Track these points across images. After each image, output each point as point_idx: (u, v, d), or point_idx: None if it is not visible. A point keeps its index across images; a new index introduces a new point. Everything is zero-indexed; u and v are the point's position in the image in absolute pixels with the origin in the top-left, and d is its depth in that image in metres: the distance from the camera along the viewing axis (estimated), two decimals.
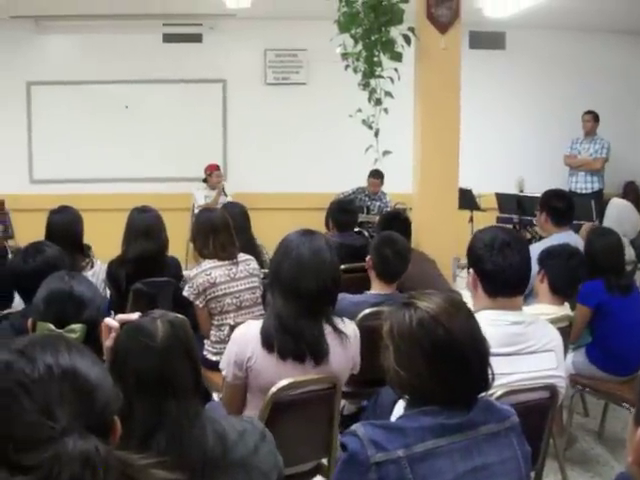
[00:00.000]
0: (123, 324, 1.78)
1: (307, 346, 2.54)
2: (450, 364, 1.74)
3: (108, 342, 1.91)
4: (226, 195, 8.12)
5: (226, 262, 3.90)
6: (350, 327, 2.72)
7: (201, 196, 8.17)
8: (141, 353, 1.68)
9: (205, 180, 8.38)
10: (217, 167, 8.40)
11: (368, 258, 3.72)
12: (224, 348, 3.72)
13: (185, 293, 3.89)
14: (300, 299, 2.53)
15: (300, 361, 2.55)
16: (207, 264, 3.89)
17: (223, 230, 3.98)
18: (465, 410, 1.74)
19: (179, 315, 1.87)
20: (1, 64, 8.76)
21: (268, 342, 2.52)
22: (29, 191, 8.76)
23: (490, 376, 1.80)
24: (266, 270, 3.53)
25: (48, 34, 8.81)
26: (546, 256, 3.65)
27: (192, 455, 1.63)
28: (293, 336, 2.53)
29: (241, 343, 2.56)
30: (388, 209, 7.80)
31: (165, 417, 1.64)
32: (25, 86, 8.88)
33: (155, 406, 1.65)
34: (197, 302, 3.86)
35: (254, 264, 4.01)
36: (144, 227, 4.24)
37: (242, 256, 3.99)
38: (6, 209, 8.30)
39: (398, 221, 4.70)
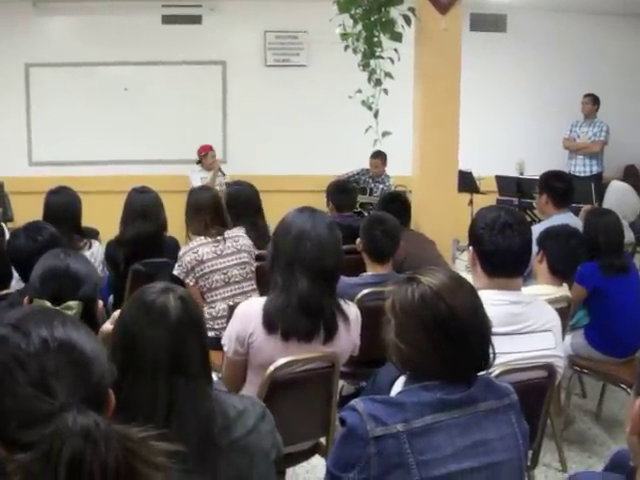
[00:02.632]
0: None
1: (324, 322, 2.55)
2: (451, 339, 1.74)
3: (108, 325, 1.91)
4: (224, 175, 8.09)
5: (213, 239, 3.93)
6: (352, 309, 2.72)
7: (197, 178, 8.10)
8: (154, 330, 1.66)
9: (200, 162, 8.33)
10: (210, 148, 8.32)
11: (358, 240, 3.73)
12: (218, 324, 3.78)
13: (175, 272, 3.92)
14: (324, 277, 2.55)
15: (307, 340, 2.55)
16: (194, 242, 3.94)
17: (209, 208, 4.01)
18: (465, 386, 1.74)
19: (187, 291, 1.88)
20: (0, 46, 8.71)
21: (270, 323, 2.52)
22: (28, 173, 8.72)
23: (491, 354, 1.81)
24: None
25: (46, 16, 8.74)
26: (545, 237, 3.64)
27: (197, 436, 1.63)
28: (313, 315, 2.53)
29: (244, 319, 2.56)
30: None
31: (173, 396, 1.63)
32: (24, 68, 8.83)
33: (165, 385, 1.63)
34: (187, 280, 3.89)
35: (243, 240, 4.03)
36: (142, 208, 4.26)
37: (230, 232, 4.02)
38: (5, 191, 8.27)
39: (397, 203, 4.70)
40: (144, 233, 4.20)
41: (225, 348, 2.61)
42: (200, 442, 1.63)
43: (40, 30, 8.79)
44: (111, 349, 1.74)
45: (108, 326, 1.92)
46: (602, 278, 3.82)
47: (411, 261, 4.09)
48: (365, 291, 3.36)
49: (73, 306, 2.12)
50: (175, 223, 4.42)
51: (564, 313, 3.30)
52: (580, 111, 8.60)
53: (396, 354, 1.82)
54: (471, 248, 2.59)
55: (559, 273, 3.58)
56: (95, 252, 4.22)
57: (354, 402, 1.73)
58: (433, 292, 1.78)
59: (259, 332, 2.52)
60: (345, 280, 3.39)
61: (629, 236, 5.98)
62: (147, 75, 8.85)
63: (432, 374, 1.75)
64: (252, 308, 2.57)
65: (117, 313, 1.89)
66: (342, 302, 2.66)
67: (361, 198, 6.64)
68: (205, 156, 8.26)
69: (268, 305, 2.54)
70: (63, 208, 4.18)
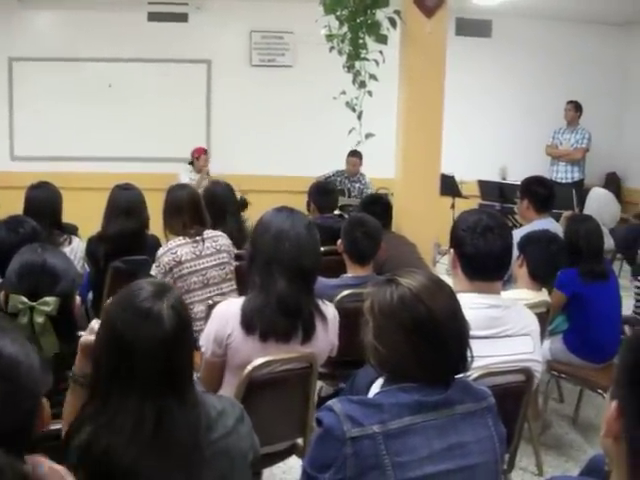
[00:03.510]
0: None
1: (302, 322, 2.55)
2: (429, 342, 1.74)
3: (88, 337, 1.87)
4: (207, 176, 8.10)
5: (192, 239, 3.86)
6: (330, 309, 2.72)
7: (186, 178, 8.10)
8: (150, 340, 1.61)
9: (191, 163, 8.33)
10: (204, 151, 8.36)
11: (339, 242, 3.72)
12: (196, 326, 3.73)
13: (152, 272, 3.85)
14: (302, 277, 2.55)
15: (285, 341, 2.54)
16: (173, 242, 3.85)
17: (188, 208, 3.94)
18: (443, 389, 1.74)
19: (173, 287, 1.84)
20: None
21: (249, 324, 2.50)
22: (10, 168, 8.65)
23: (469, 357, 1.81)
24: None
25: (31, 9, 8.66)
26: (526, 241, 3.66)
27: (186, 444, 1.62)
28: (292, 315, 2.53)
29: (222, 319, 2.54)
30: (369, 191, 7.77)
31: (163, 406, 1.61)
32: (7, 62, 8.75)
33: (156, 395, 1.61)
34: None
35: (222, 240, 3.97)
36: (125, 205, 4.24)
37: (209, 232, 3.95)
38: None
39: (379, 205, 4.69)
40: (127, 230, 4.17)
41: (203, 349, 2.58)
42: (189, 449, 1.63)
43: (25, 24, 8.72)
44: (95, 357, 1.72)
45: (88, 338, 1.86)
46: (582, 284, 3.85)
47: (391, 263, 4.08)
48: (345, 292, 3.36)
49: (50, 302, 2.10)
50: (158, 221, 4.38)
51: (543, 318, 3.32)
52: (563, 117, 8.65)
53: (374, 356, 1.82)
54: (452, 251, 2.59)
55: (539, 278, 3.59)
56: (75, 248, 4.19)
57: (331, 402, 1.73)
58: (412, 294, 1.77)
59: (237, 332, 2.51)
60: (325, 281, 3.39)
61: (609, 243, 6.03)
62: (132, 72, 8.80)
63: (410, 376, 1.75)
64: (230, 308, 2.56)
65: (95, 324, 1.83)
66: (320, 302, 2.66)
67: (340, 200, 6.63)
68: (198, 158, 8.28)
69: (246, 305, 2.53)
70: (43, 203, 4.15)
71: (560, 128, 8.67)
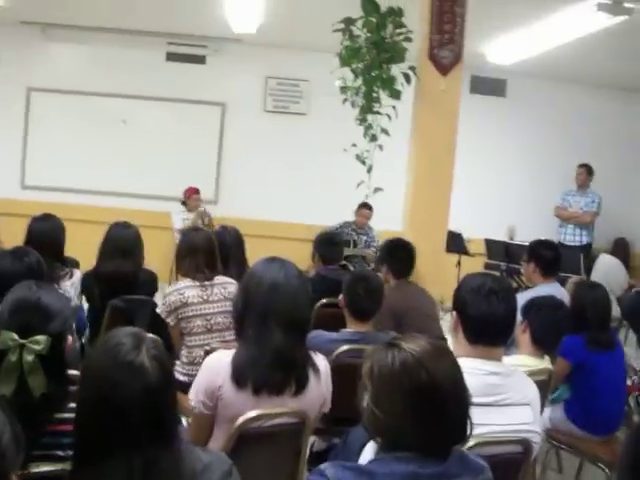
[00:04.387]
0: None
1: (296, 375, 2.50)
2: (430, 410, 1.69)
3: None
4: (205, 218, 8.16)
5: (201, 283, 3.84)
6: (322, 361, 2.66)
7: (179, 220, 8.12)
8: (133, 394, 1.59)
9: (184, 203, 8.35)
10: (197, 191, 8.40)
11: (341, 297, 3.67)
12: (194, 370, 3.68)
13: (158, 310, 3.85)
14: (297, 329, 2.52)
15: (278, 393, 2.48)
16: (182, 283, 3.85)
17: (202, 252, 3.91)
18: (440, 460, 1.69)
19: (157, 339, 1.81)
20: (4, 67, 8.76)
21: (240, 378, 2.44)
22: (20, 196, 8.70)
23: (469, 428, 1.75)
24: None
25: (54, 42, 8.81)
26: (530, 307, 3.60)
27: None
28: (287, 368, 2.48)
29: (213, 371, 2.48)
30: (375, 244, 7.76)
31: (151, 456, 1.58)
32: (25, 91, 8.87)
33: (142, 446, 1.58)
34: (168, 320, 3.80)
35: (232, 287, 3.93)
36: (123, 244, 4.22)
37: (219, 278, 3.92)
38: None
39: (405, 251, 4.51)
40: (122, 272, 4.14)
41: (192, 403, 2.50)
42: None
43: (46, 55, 8.86)
44: (79, 416, 1.69)
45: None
46: (587, 352, 3.77)
47: (412, 316, 4.04)
48: (343, 347, 3.30)
49: (41, 341, 2.05)
50: (161, 259, 4.36)
51: (544, 386, 3.24)
52: (573, 180, 8.65)
53: (370, 421, 1.76)
54: (454, 313, 2.55)
55: (541, 345, 3.52)
56: (76, 282, 4.16)
57: (324, 467, 1.68)
58: (415, 359, 1.73)
59: (227, 386, 2.45)
60: (324, 334, 3.35)
61: (615, 310, 5.95)
62: (146, 109, 8.88)
63: (406, 444, 1.69)
64: (221, 361, 2.50)
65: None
66: (312, 353, 2.61)
67: (346, 251, 6.60)
68: (189, 198, 8.31)
69: (238, 359, 2.47)
70: (46, 235, 4.12)
71: (570, 190, 8.66)
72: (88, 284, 4.17)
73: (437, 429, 1.70)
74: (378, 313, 3.65)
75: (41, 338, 2.06)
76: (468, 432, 1.76)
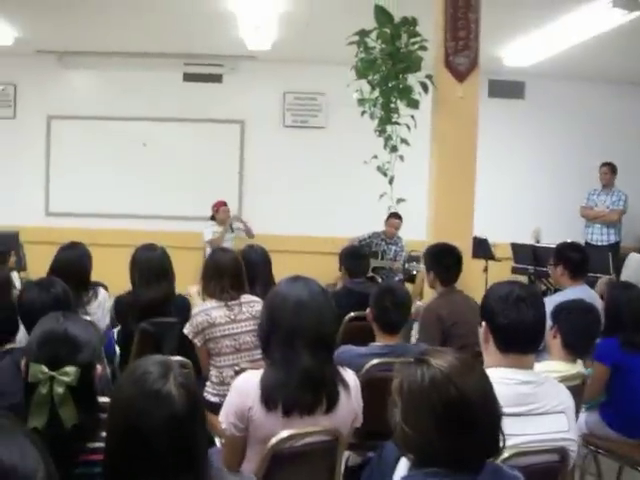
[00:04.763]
0: None
1: (326, 393, 2.49)
2: (460, 425, 1.68)
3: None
4: (233, 231, 8.32)
5: (227, 303, 3.84)
6: (351, 376, 2.65)
7: (209, 232, 8.24)
8: (162, 423, 1.60)
9: (213, 217, 8.41)
10: (224, 203, 8.48)
11: (368, 310, 3.65)
12: (225, 390, 3.67)
13: (185, 330, 3.84)
14: (325, 347, 2.52)
15: (309, 413, 2.47)
16: (208, 304, 3.85)
17: (228, 274, 3.91)
18: (472, 475, 1.67)
19: (186, 363, 1.81)
20: (24, 96, 8.89)
21: (269, 400, 2.43)
22: (44, 223, 8.80)
23: (501, 441, 1.73)
24: None
25: (70, 69, 8.92)
26: (560, 311, 3.55)
27: None
28: (316, 388, 2.47)
29: (242, 393, 2.48)
30: (404, 254, 7.72)
31: None
32: (46, 119, 8.98)
33: (173, 476, 1.59)
34: (196, 340, 3.80)
35: (258, 306, 3.92)
36: (156, 268, 4.19)
37: (246, 297, 3.92)
38: (20, 241, 8.30)
39: (451, 257, 4.39)
40: (159, 298, 4.12)
41: (224, 426, 2.50)
42: None
43: (64, 83, 8.97)
44: (108, 446, 1.70)
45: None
46: (622, 354, 3.70)
47: (460, 330, 3.99)
48: (373, 362, 3.28)
49: (70, 372, 2.05)
50: (187, 280, 4.36)
51: (577, 391, 3.19)
52: (597, 179, 8.56)
53: (400, 437, 1.76)
54: (484, 324, 2.52)
55: (573, 349, 3.47)
56: (102, 302, 4.16)
57: None
58: (444, 375, 1.72)
59: (257, 407, 2.44)
60: (353, 349, 3.33)
61: None
62: (166, 131, 8.95)
63: (437, 460, 1.68)
64: (249, 382, 2.49)
65: None
66: (341, 369, 2.60)
67: (373, 262, 6.57)
68: (217, 211, 8.38)
69: (266, 381, 2.46)
70: (72, 264, 4.13)
71: (595, 190, 8.57)
72: (121, 309, 4.17)
73: (468, 443, 1.68)
74: (420, 320, 3.63)
75: (70, 369, 2.06)
76: (501, 444, 1.74)
